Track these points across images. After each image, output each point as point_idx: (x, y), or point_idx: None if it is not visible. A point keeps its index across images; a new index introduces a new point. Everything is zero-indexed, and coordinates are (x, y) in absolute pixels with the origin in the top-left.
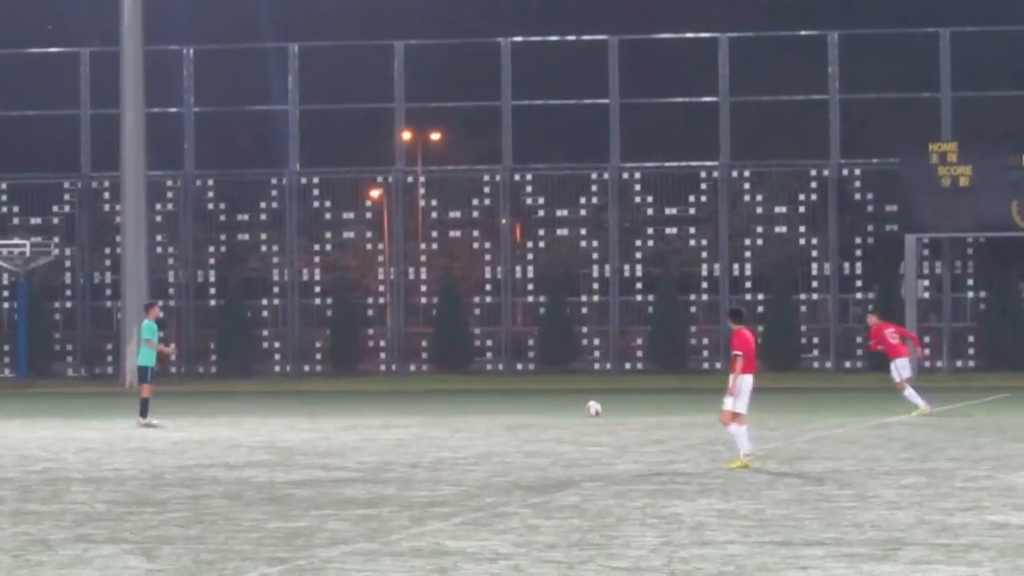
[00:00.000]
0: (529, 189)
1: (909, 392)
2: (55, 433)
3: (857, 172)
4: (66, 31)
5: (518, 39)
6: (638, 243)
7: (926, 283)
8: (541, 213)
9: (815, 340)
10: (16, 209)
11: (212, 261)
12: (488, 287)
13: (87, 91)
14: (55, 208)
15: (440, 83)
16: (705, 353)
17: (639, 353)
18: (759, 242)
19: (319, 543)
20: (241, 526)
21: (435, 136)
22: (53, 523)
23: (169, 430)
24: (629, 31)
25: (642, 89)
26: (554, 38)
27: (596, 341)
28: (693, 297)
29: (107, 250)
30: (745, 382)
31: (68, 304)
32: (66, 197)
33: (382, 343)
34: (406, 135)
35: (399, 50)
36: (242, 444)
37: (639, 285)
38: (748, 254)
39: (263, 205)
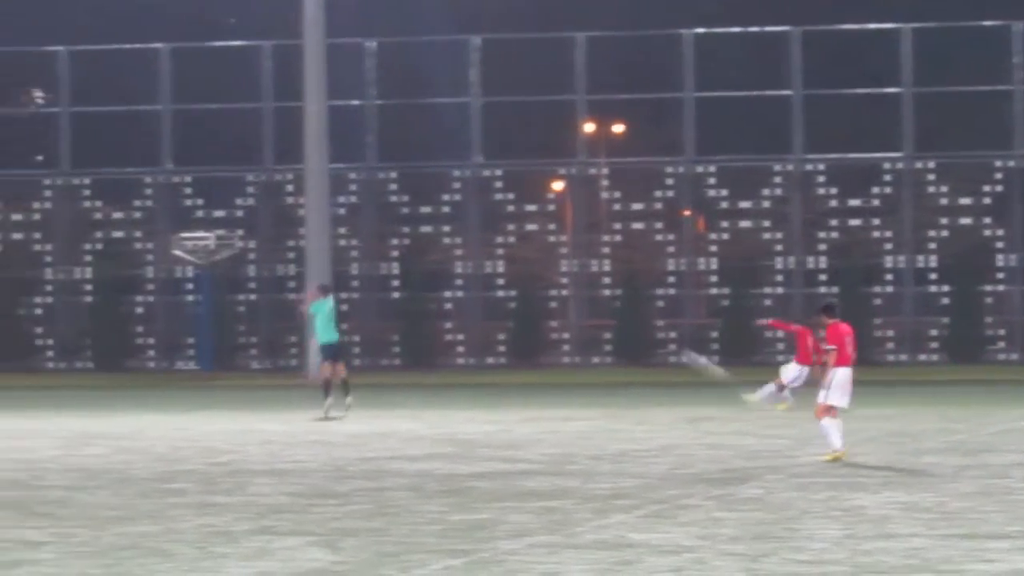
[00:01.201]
0: (711, 181)
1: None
2: (238, 425)
3: None
4: (249, 25)
5: (700, 31)
6: (821, 235)
7: None
8: (724, 205)
9: (1000, 332)
10: (200, 202)
11: (395, 254)
12: (671, 279)
13: (270, 84)
14: (239, 201)
15: (622, 75)
16: (890, 345)
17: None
18: (944, 233)
19: (501, 535)
20: (423, 518)
21: (617, 128)
22: (236, 515)
23: (349, 422)
24: (811, 22)
25: (825, 80)
26: (736, 29)
27: (779, 334)
28: (877, 289)
29: (290, 243)
30: (841, 375)
31: (252, 297)
32: (249, 190)
33: (564, 335)
34: (588, 127)
35: (581, 42)
36: (424, 436)
37: (822, 277)
38: (933, 245)
39: (445, 198)
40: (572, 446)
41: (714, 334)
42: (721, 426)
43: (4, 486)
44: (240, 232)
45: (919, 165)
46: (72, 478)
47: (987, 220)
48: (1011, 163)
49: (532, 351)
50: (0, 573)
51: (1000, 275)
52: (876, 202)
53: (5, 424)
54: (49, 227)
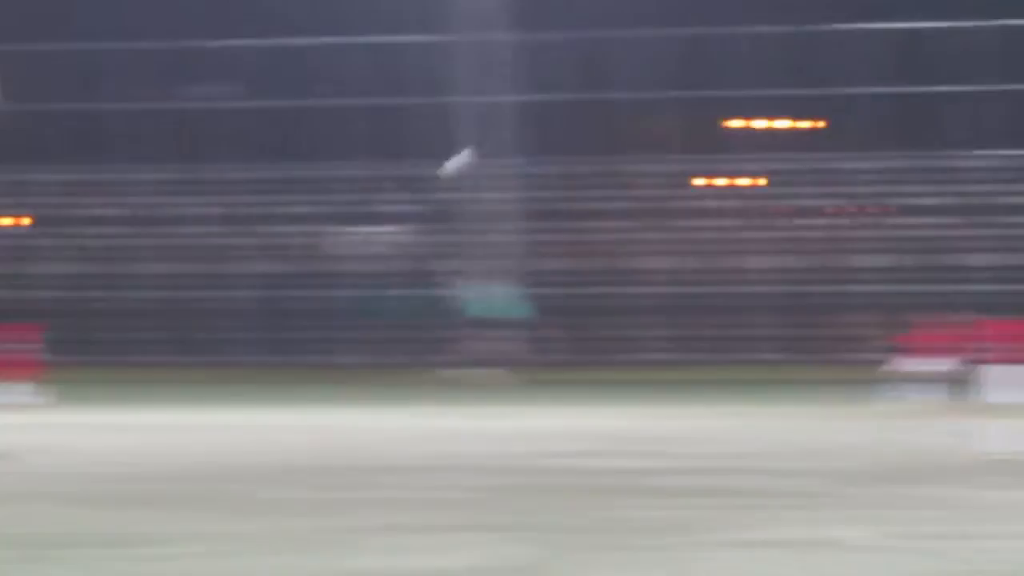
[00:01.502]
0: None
1: None
2: (426, 421)
3: None
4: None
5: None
6: None
7: None
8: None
9: None
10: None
11: (579, 250)
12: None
13: (459, 80)
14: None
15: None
16: None
17: None
18: None
19: (681, 533)
20: (597, 515)
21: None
22: (417, 511)
23: (514, 418)
24: None
25: None
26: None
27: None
28: None
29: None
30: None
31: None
32: (422, 185)
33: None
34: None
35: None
36: (594, 433)
37: None
38: None
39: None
40: (756, 443)
41: None
42: (905, 423)
43: (190, 479)
44: (417, 227)
45: None
46: (260, 472)
47: None
48: None
49: (725, 347)
50: (166, 565)
51: None
52: None
53: (197, 418)
54: None
